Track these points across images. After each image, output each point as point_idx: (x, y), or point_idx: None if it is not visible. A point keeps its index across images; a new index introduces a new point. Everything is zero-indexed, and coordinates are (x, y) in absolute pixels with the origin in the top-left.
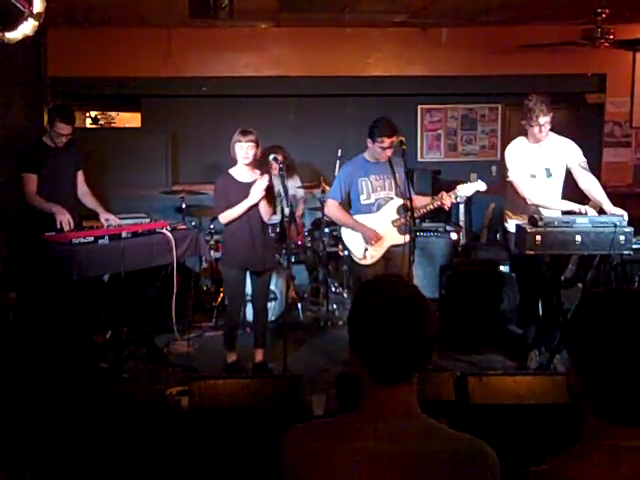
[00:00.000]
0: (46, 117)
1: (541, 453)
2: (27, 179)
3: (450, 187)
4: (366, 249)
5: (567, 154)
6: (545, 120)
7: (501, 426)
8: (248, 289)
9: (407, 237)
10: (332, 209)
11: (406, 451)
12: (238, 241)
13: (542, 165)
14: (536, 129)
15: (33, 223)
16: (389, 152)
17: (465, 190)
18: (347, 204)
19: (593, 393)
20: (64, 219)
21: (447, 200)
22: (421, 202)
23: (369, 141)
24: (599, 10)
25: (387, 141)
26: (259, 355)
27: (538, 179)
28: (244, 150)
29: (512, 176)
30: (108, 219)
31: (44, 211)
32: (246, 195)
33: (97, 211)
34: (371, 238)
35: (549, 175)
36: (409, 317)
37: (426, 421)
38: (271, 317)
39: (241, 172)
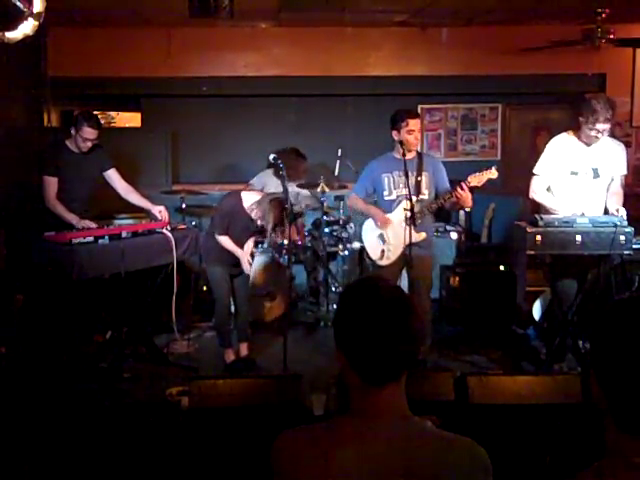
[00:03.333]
0: (46, 118)
1: (541, 453)
2: (47, 182)
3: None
4: (383, 250)
5: (617, 162)
6: (604, 127)
7: (501, 426)
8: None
9: (422, 235)
10: (353, 200)
11: (399, 453)
12: (217, 242)
13: (589, 164)
14: (593, 132)
15: (47, 225)
16: (418, 135)
17: (476, 180)
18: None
19: (617, 407)
20: (84, 225)
21: (462, 193)
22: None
23: (394, 133)
24: (599, 10)
25: (412, 122)
26: (244, 349)
27: (580, 177)
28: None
29: (536, 169)
30: (161, 211)
31: (63, 220)
32: (245, 223)
33: (147, 207)
34: (379, 220)
35: (596, 176)
36: (394, 317)
37: (417, 422)
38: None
39: (251, 198)
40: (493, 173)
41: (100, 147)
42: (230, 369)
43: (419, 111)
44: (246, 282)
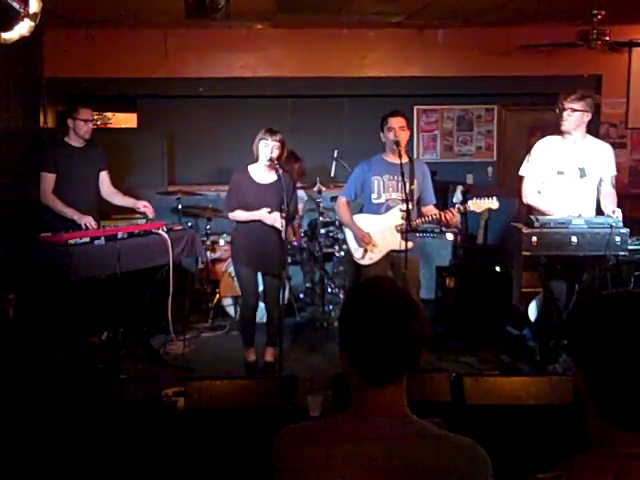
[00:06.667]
0: (42, 119)
1: (537, 453)
2: (43, 178)
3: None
4: (365, 250)
5: (605, 162)
6: (570, 106)
7: (497, 427)
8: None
9: (410, 244)
10: (338, 206)
11: (398, 453)
12: (250, 241)
13: (575, 164)
14: (564, 113)
15: (42, 223)
16: (403, 134)
17: (476, 206)
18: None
19: (600, 398)
20: (87, 221)
21: (452, 218)
22: (428, 212)
23: (382, 135)
24: (595, 11)
25: (392, 120)
26: (269, 355)
27: (567, 177)
28: (269, 148)
29: (522, 170)
30: (146, 206)
31: (61, 215)
32: (260, 196)
33: (131, 204)
34: (360, 239)
35: (583, 175)
36: (398, 318)
37: (417, 422)
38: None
39: (259, 171)
40: (494, 204)
41: (97, 145)
42: (250, 369)
43: (415, 112)
44: (278, 284)
